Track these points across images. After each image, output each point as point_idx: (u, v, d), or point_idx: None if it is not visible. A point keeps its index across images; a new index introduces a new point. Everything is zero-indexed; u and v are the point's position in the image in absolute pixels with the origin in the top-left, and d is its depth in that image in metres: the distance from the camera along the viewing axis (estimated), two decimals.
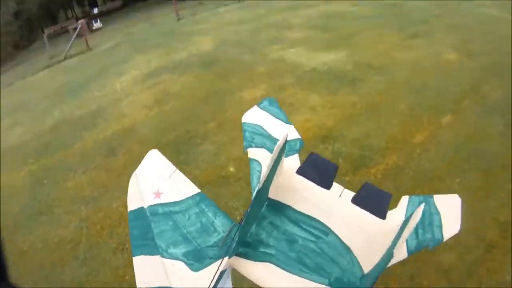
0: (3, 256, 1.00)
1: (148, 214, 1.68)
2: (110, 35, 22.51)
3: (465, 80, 7.41)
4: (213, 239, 1.66)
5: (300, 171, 1.81)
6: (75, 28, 26.64)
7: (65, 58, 19.87)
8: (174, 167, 1.83)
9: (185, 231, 1.66)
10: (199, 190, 1.79)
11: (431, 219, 1.65)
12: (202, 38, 14.44)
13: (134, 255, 1.63)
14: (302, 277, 1.58)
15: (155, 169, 1.79)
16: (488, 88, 7.09)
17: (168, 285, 1.53)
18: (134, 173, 1.78)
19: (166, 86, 10.17)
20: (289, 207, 1.71)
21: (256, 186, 1.74)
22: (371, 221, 1.72)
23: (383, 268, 1.48)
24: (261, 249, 1.64)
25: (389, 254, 1.51)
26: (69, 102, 11.34)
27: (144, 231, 1.66)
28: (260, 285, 1.65)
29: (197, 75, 10.45)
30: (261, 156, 1.90)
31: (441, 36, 10.51)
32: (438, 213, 1.69)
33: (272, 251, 1.63)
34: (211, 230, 1.68)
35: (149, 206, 1.70)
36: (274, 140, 1.98)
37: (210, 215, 1.72)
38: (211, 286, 1.48)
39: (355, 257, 1.63)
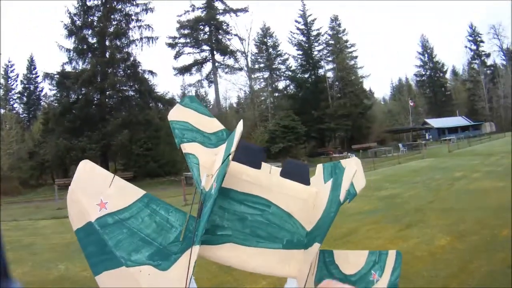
0: (3, 253, 1.01)
1: (98, 228, 1.61)
2: None
3: (454, 263, 7.59)
4: (173, 235, 1.69)
5: (235, 158, 1.79)
6: None
7: None
8: (111, 174, 1.76)
9: (142, 235, 1.64)
10: (144, 192, 1.77)
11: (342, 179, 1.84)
12: None
13: (97, 274, 1.58)
14: (260, 247, 1.79)
15: (91, 180, 1.70)
16: (475, 265, 7.34)
17: None
18: (70, 189, 1.68)
19: None
20: (232, 190, 1.84)
21: (199, 178, 1.86)
22: (300, 188, 1.97)
23: (332, 218, 1.72)
24: (219, 233, 1.76)
25: (333, 204, 1.76)
26: (76, 261, 11.26)
27: (100, 246, 1.59)
28: (228, 264, 1.80)
29: (199, 264, 10.54)
30: (195, 150, 1.97)
31: (433, 222, 10.90)
32: (353, 175, 1.86)
33: (229, 232, 1.77)
34: (167, 227, 1.70)
35: (97, 219, 1.61)
36: (204, 134, 2.11)
37: (162, 213, 1.72)
38: (190, 274, 1.58)
39: (296, 220, 1.88)
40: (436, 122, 66.99)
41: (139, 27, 50.89)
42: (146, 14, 51.45)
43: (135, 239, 1.65)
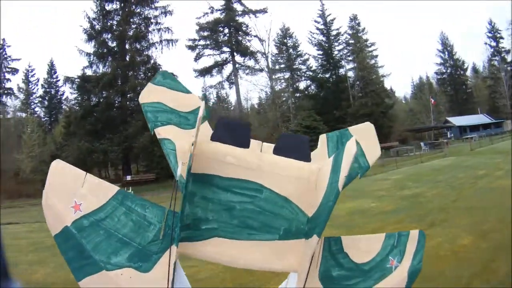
0: (3, 253, 0.99)
1: (75, 232, 1.57)
2: None
3: (477, 262, 7.50)
4: (151, 233, 1.61)
5: (214, 138, 1.72)
6: None
7: None
8: (83, 172, 1.70)
9: (120, 235, 1.58)
10: (118, 188, 1.69)
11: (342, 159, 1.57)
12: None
13: (79, 280, 1.55)
14: (252, 239, 1.61)
15: (64, 181, 1.64)
16: (498, 264, 7.23)
17: None
18: (44, 193, 1.63)
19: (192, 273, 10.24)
20: (215, 176, 1.66)
21: (176, 165, 1.71)
22: (298, 166, 1.73)
23: (331, 207, 1.50)
24: (203, 227, 1.62)
25: (333, 191, 1.52)
26: None
27: (79, 251, 1.56)
28: (215, 262, 1.66)
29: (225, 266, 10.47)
30: (170, 133, 1.82)
31: (456, 221, 10.79)
32: (357, 143, 1.58)
33: (215, 225, 1.62)
34: (145, 225, 1.62)
35: (73, 223, 1.57)
36: (179, 114, 1.93)
37: (139, 210, 1.64)
38: (171, 279, 1.51)
39: (295, 205, 1.67)
40: (457, 120, 66.11)
41: (159, 30, 51.39)
42: (165, 17, 52.02)
43: (113, 241, 1.58)
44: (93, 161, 48.05)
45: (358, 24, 67.86)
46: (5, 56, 62.13)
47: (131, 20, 49.82)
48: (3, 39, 62.53)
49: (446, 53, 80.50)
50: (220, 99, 66.50)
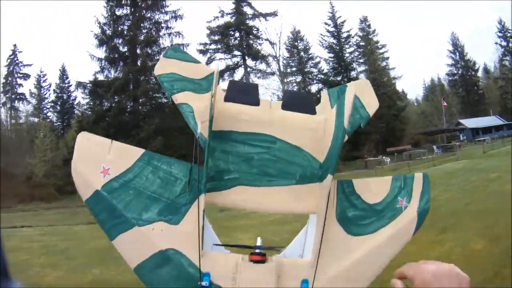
0: (3, 253, 1.00)
1: (106, 194, 1.65)
2: None
3: (489, 266, 7.46)
4: (178, 187, 1.70)
5: (228, 98, 1.85)
6: None
7: None
8: (109, 140, 1.78)
9: (149, 193, 1.67)
10: (144, 150, 1.79)
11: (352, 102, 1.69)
12: (243, 235, 14.57)
13: (113, 238, 1.63)
14: (272, 185, 1.73)
15: (91, 150, 1.72)
16: (509, 270, 7.12)
17: (159, 250, 1.58)
18: (72, 163, 1.71)
19: None
20: (232, 132, 1.80)
21: (195, 125, 1.79)
22: (306, 118, 1.88)
23: (338, 150, 1.63)
24: (226, 177, 1.73)
25: (339, 130, 1.65)
26: (110, 266, 11.50)
27: (110, 211, 1.64)
28: (240, 208, 1.80)
29: None
30: (187, 98, 1.90)
31: (469, 225, 10.72)
32: (356, 97, 1.76)
33: (236, 175, 1.74)
34: (172, 180, 1.71)
35: (103, 186, 1.65)
36: (193, 81, 2.02)
37: (165, 167, 1.74)
38: (201, 225, 1.58)
39: (307, 152, 1.80)
40: (469, 123, 65.45)
41: (169, 34, 51.68)
42: (176, 21, 52.34)
43: (143, 198, 1.67)
44: None
45: (369, 26, 67.73)
46: (17, 61, 62.94)
47: (141, 25, 50.13)
48: (15, 45, 63.45)
49: (457, 53, 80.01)
50: None
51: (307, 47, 66.56)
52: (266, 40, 61.99)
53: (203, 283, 1.47)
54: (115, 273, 10.58)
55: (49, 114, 62.30)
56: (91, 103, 49.46)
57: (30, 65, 63.77)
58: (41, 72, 63.48)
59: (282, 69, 63.97)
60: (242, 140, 1.80)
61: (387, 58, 67.06)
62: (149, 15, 51.37)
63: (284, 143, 1.81)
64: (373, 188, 1.83)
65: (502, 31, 76.70)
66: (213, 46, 59.48)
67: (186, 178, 1.71)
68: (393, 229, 1.75)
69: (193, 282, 1.49)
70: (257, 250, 1.57)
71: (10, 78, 61.77)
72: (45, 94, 63.14)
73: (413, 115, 72.79)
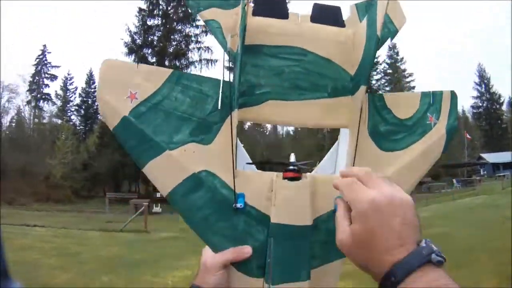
0: (3, 253, 0.99)
1: (133, 119, 1.56)
2: (168, 224, 23.44)
3: None
4: (210, 105, 1.62)
5: (256, 12, 1.77)
6: (136, 205, 28.11)
7: (121, 230, 20.86)
8: (134, 63, 1.66)
9: (179, 113, 1.59)
10: (172, 70, 1.67)
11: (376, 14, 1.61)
12: None
13: (143, 166, 1.53)
14: (303, 99, 1.66)
15: (116, 75, 1.61)
16: None
17: (192, 172, 1.51)
18: (97, 92, 1.58)
19: None
20: (262, 45, 1.72)
21: (224, 40, 1.72)
22: (335, 30, 1.79)
23: (371, 60, 1.59)
24: (257, 92, 1.66)
25: (372, 41, 1.59)
26: (120, 274, 11.55)
27: (139, 137, 1.56)
28: (273, 123, 1.76)
29: None
30: (214, 15, 1.82)
31: (483, 262, 10.55)
32: (386, 4, 1.59)
33: (268, 89, 1.66)
34: (203, 98, 1.63)
35: (130, 112, 1.56)
36: None
37: (195, 85, 1.64)
38: (235, 141, 1.53)
39: (337, 65, 1.73)
40: (491, 157, 64.67)
41: (199, 48, 52.31)
42: (206, 35, 52.88)
43: (173, 120, 1.58)
44: (124, 174, 48.82)
45: (397, 53, 67.71)
46: (45, 62, 64.43)
47: (171, 37, 50.92)
48: (44, 45, 64.94)
49: (483, 86, 79.47)
50: (256, 123, 66.66)
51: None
52: None
53: (238, 205, 1.42)
54: (124, 282, 10.64)
55: (72, 117, 63.51)
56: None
57: (58, 66, 65.33)
58: (68, 74, 64.93)
59: (318, 165, 63.40)
60: (272, 53, 1.71)
61: (413, 87, 66.82)
62: (179, 27, 52.20)
63: (315, 56, 1.72)
64: (402, 103, 1.79)
65: None
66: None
67: (217, 95, 1.62)
68: (423, 145, 1.73)
69: (227, 205, 1.45)
70: (291, 167, 1.51)
71: (37, 78, 63.42)
72: (70, 97, 64.46)
73: None
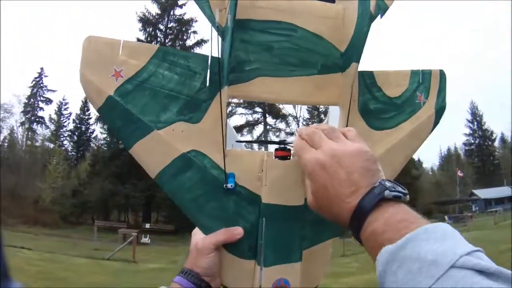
0: (3, 253, 0.96)
1: (119, 99, 1.48)
2: (156, 255, 23.40)
3: None
4: (198, 82, 1.56)
5: None
6: (125, 234, 27.88)
7: (109, 259, 20.62)
8: (119, 39, 1.59)
9: (166, 91, 1.53)
10: (158, 46, 1.63)
11: None
12: None
13: (130, 147, 1.46)
14: (294, 76, 1.61)
15: (99, 52, 1.52)
16: None
17: (181, 153, 1.47)
18: (80, 72, 1.50)
19: None
20: (250, 20, 1.64)
21: (212, 15, 1.65)
22: (326, 6, 1.74)
23: (363, 38, 1.54)
24: (247, 68, 1.60)
25: (365, 18, 1.55)
26: None
27: (126, 117, 1.49)
28: (262, 100, 1.68)
29: None
30: None
31: None
32: None
33: (257, 65, 1.61)
34: (190, 74, 1.57)
35: (115, 91, 1.49)
36: None
37: (182, 62, 1.58)
38: (224, 120, 1.49)
39: (328, 41, 1.67)
40: (483, 193, 64.99)
41: None
42: None
43: (160, 98, 1.51)
44: (114, 204, 48.55)
45: None
46: (41, 85, 64.70)
47: None
48: (42, 68, 65.37)
49: (475, 123, 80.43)
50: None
51: (328, 110, 66.55)
52: None
53: (229, 185, 1.39)
54: None
55: (65, 142, 63.19)
56: (109, 139, 50.24)
57: (54, 90, 65.56)
58: (63, 99, 65.00)
59: None
60: (261, 28, 1.64)
61: None
62: None
63: (305, 31, 1.66)
64: (392, 81, 1.75)
65: None
66: (235, 100, 60.16)
67: (205, 71, 1.56)
68: (413, 124, 1.70)
69: (218, 185, 1.41)
70: (281, 146, 1.48)
71: (32, 100, 63.53)
72: (64, 122, 64.37)
73: (427, 184, 72.56)
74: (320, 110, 64.62)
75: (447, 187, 68.89)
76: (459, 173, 63.81)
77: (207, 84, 1.55)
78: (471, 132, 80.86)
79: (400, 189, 0.85)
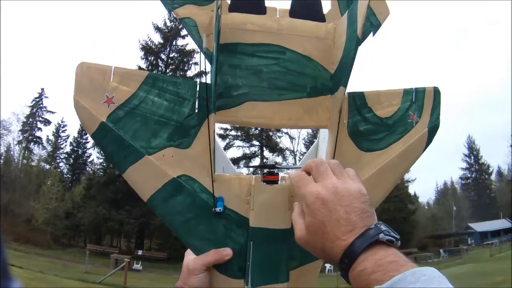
0: (3, 253, 0.95)
1: (111, 125, 1.52)
2: (148, 282, 23.28)
3: None
4: (187, 108, 1.58)
5: (232, 8, 1.72)
6: (117, 260, 27.64)
7: (99, 283, 20.42)
8: (110, 66, 1.62)
9: (156, 117, 1.56)
10: (148, 72, 1.63)
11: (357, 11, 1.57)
12: None
13: (123, 172, 1.50)
14: (282, 100, 1.61)
15: (91, 79, 1.56)
16: None
17: (172, 177, 1.49)
18: (74, 98, 1.54)
19: None
20: (238, 44, 1.67)
21: (200, 40, 1.69)
22: (315, 26, 1.73)
23: (351, 61, 1.51)
24: (235, 93, 1.61)
25: (352, 41, 1.52)
26: None
27: (118, 143, 1.52)
28: (252, 125, 1.70)
29: None
30: (189, 12, 1.76)
31: None
32: (367, 4, 1.57)
33: (245, 90, 1.61)
34: (180, 101, 1.59)
35: (108, 117, 1.52)
36: None
37: (171, 88, 1.60)
38: (212, 145, 1.50)
39: (317, 62, 1.66)
40: (479, 226, 64.76)
41: None
42: None
43: (151, 124, 1.54)
44: (108, 229, 48.24)
45: None
46: (41, 105, 64.79)
47: None
48: (42, 89, 65.51)
49: (472, 157, 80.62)
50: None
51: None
52: (286, 133, 63.03)
53: (217, 209, 1.42)
54: None
55: (61, 164, 62.82)
56: (105, 165, 50.16)
57: (53, 112, 65.54)
58: (62, 121, 64.92)
59: (298, 164, 64.13)
60: (249, 52, 1.66)
61: None
62: None
63: (293, 53, 1.68)
64: (383, 101, 1.74)
65: None
66: (233, 133, 60.68)
67: (194, 97, 1.58)
68: (404, 144, 1.69)
69: (207, 209, 1.44)
70: (269, 170, 1.50)
71: (31, 119, 63.45)
72: (61, 144, 64.16)
73: (423, 218, 71.80)
74: None
75: (443, 221, 68.75)
76: (454, 208, 63.80)
77: (196, 110, 1.57)
78: (467, 166, 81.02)
79: (393, 234, 0.89)
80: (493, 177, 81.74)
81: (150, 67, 55.11)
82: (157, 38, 57.06)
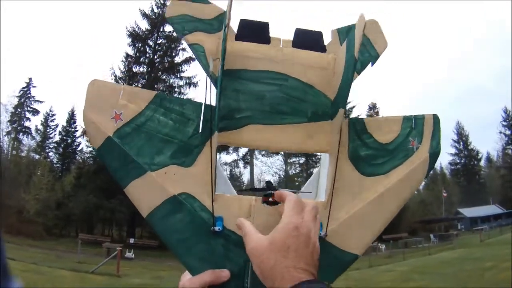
0: (3, 252, 0.99)
1: (117, 140, 1.56)
2: (141, 270, 23.31)
3: None
4: (191, 128, 1.63)
5: (238, 37, 1.81)
6: (109, 249, 27.69)
7: (92, 272, 20.45)
8: (120, 85, 1.69)
9: (161, 136, 1.60)
10: (156, 92, 1.68)
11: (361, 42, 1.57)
12: None
13: (124, 186, 1.53)
14: (284, 123, 1.67)
15: (102, 96, 1.62)
16: None
17: (172, 195, 1.52)
18: (84, 113, 1.59)
19: None
20: (243, 70, 1.74)
21: (207, 64, 1.76)
22: (316, 56, 1.81)
23: (348, 87, 1.57)
24: (237, 116, 1.67)
25: (350, 65, 1.57)
26: None
27: (123, 158, 1.56)
28: (251, 148, 1.77)
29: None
30: (198, 39, 1.86)
31: None
32: (364, 35, 1.68)
33: (248, 113, 1.67)
34: (184, 121, 1.64)
35: (115, 132, 1.57)
36: (204, 21, 1.93)
37: (177, 108, 1.66)
38: (214, 164, 1.55)
39: (318, 90, 1.73)
40: (468, 212, 65.90)
41: None
42: (189, 88, 54.55)
43: (155, 142, 1.58)
44: (99, 217, 48.24)
45: (377, 113, 69.20)
46: (29, 95, 64.47)
47: (155, 85, 51.50)
48: (30, 79, 65.07)
49: (461, 143, 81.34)
50: (233, 177, 67.80)
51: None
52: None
53: (216, 228, 1.44)
54: None
55: (50, 154, 62.60)
56: (94, 153, 49.81)
57: (41, 101, 65.23)
58: (50, 111, 64.64)
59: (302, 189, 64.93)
60: (253, 78, 1.72)
61: None
62: (164, 77, 53.73)
63: (296, 81, 1.73)
64: (383, 127, 1.76)
65: (507, 120, 78.23)
66: None
67: (199, 118, 1.62)
68: (406, 169, 1.70)
69: (206, 228, 1.45)
70: (270, 191, 1.49)
71: (19, 110, 63.16)
72: (50, 134, 63.93)
73: (413, 203, 72.36)
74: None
75: (432, 206, 69.42)
76: (444, 193, 64.45)
77: (200, 130, 1.61)
78: (457, 152, 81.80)
79: None
80: (482, 163, 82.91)
81: (137, 54, 54.94)
82: (144, 25, 56.58)
